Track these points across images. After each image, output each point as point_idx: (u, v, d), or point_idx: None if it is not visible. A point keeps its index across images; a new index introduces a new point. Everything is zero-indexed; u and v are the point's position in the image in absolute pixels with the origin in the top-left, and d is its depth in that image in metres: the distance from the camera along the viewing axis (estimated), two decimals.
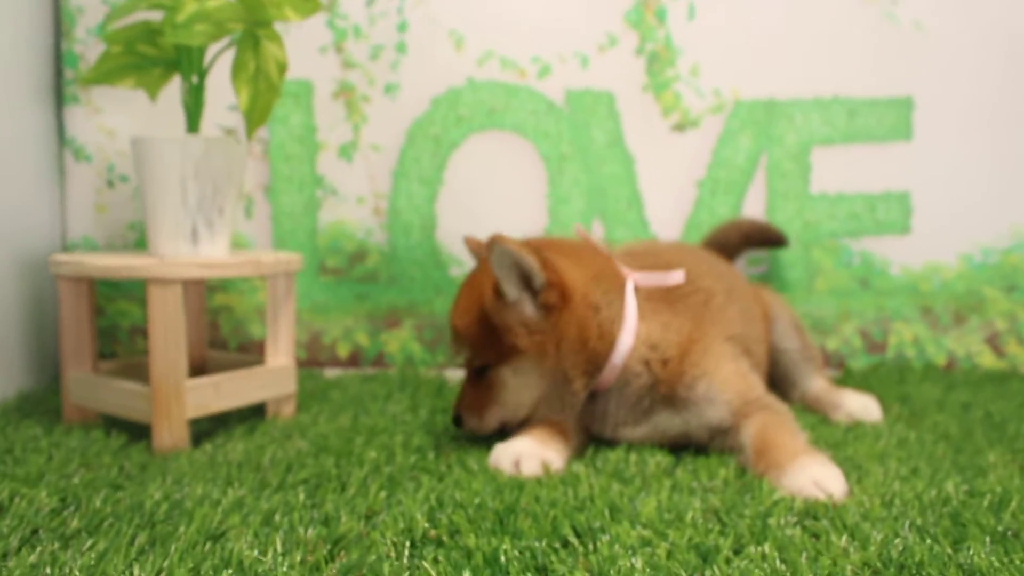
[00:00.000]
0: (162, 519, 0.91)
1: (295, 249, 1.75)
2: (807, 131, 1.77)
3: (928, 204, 1.77)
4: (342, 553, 0.83)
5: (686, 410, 1.18)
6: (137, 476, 1.07)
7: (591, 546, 0.84)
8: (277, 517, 0.91)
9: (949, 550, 0.83)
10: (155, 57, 1.36)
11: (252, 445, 1.21)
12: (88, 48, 1.70)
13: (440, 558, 0.81)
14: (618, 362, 1.16)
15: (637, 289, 1.21)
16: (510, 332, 1.15)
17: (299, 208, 1.77)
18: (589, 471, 1.10)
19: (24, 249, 1.54)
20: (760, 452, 1.08)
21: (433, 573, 0.78)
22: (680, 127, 1.77)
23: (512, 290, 1.14)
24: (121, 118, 1.72)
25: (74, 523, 0.89)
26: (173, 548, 0.82)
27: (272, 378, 1.37)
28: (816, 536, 0.88)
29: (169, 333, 1.21)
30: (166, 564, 0.79)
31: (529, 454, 1.11)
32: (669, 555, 0.82)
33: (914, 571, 0.79)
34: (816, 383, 1.51)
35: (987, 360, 1.79)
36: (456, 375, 1.74)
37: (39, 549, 0.82)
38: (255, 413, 1.41)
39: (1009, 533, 0.88)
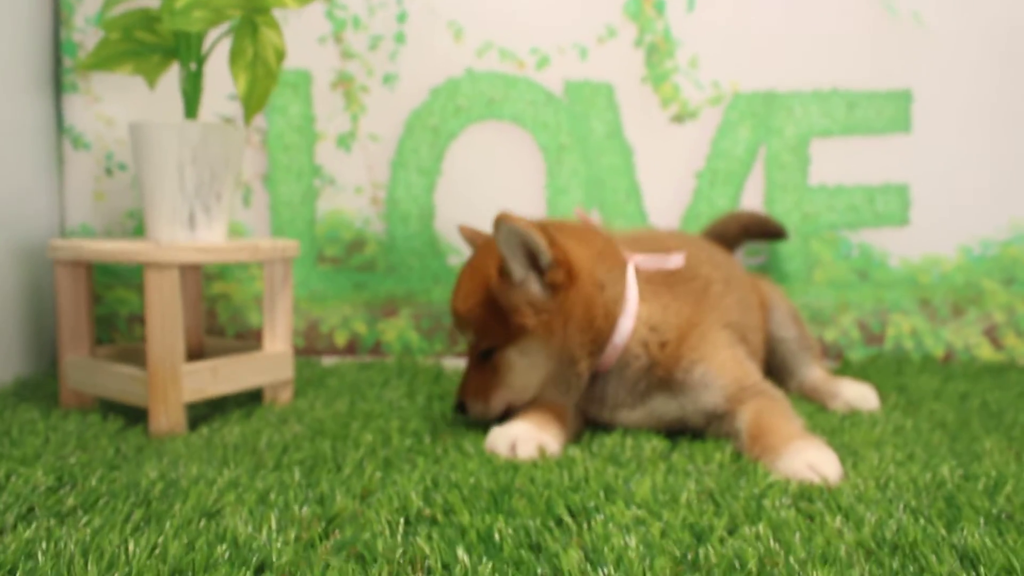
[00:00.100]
0: (157, 497, 0.91)
1: (293, 238, 1.75)
2: (806, 123, 1.77)
3: (927, 196, 1.77)
4: (336, 531, 0.84)
5: (682, 394, 1.18)
6: (133, 457, 1.07)
7: (585, 525, 0.84)
8: (272, 496, 0.92)
9: (943, 531, 0.83)
10: (153, 44, 1.36)
11: (249, 429, 1.21)
12: (87, 36, 1.70)
13: (434, 535, 0.81)
14: (619, 343, 1.16)
15: (637, 271, 1.21)
16: (517, 312, 1.14)
17: (297, 197, 1.77)
18: (585, 455, 1.10)
19: (23, 236, 1.54)
20: (755, 437, 1.08)
21: (427, 550, 0.78)
22: (679, 118, 1.77)
23: (518, 269, 1.13)
24: (120, 106, 1.72)
25: (70, 501, 0.89)
26: (168, 525, 0.83)
27: (269, 364, 1.37)
28: (811, 517, 0.88)
29: (166, 317, 1.21)
30: (160, 540, 0.79)
31: (526, 438, 1.11)
32: (663, 534, 0.82)
33: (907, 551, 0.79)
34: (813, 372, 1.51)
35: (985, 352, 1.79)
36: (453, 363, 1.74)
37: (35, 525, 0.83)
38: (252, 399, 1.41)
39: (1003, 515, 0.88)
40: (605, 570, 0.74)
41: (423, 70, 1.76)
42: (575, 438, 1.19)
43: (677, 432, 1.21)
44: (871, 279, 1.79)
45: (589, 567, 0.75)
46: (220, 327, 1.77)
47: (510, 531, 0.82)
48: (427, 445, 1.14)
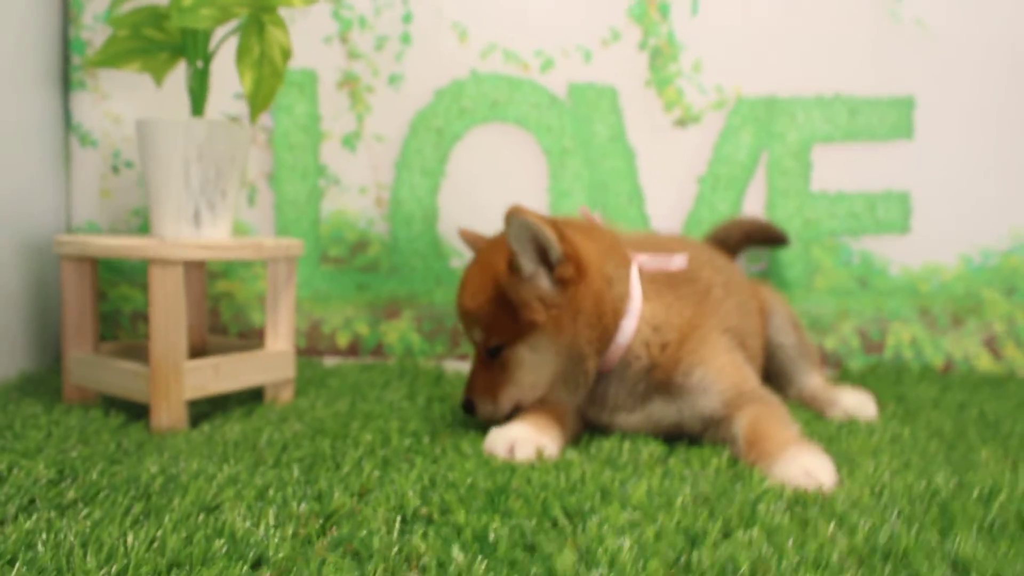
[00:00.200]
0: (157, 492, 0.92)
1: (297, 238, 1.76)
2: (808, 129, 1.78)
3: (928, 204, 1.78)
4: (333, 528, 0.84)
5: (680, 398, 1.19)
6: (134, 452, 1.08)
7: (580, 527, 0.85)
8: (271, 492, 0.92)
9: (936, 539, 0.84)
10: (161, 41, 1.37)
11: (249, 427, 1.22)
12: (95, 34, 1.71)
13: (430, 534, 0.82)
14: (623, 342, 1.17)
15: (641, 272, 1.22)
16: (527, 307, 1.14)
17: (302, 197, 1.78)
18: (582, 457, 1.11)
19: (29, 232, 1.55)
20: (752, 442, 1.09)
21: (422, 548, 0.78)
22: (682, 123, 1.78)
23: (528, 264, 1.13)
24: (127, 104, 1.73)
25: (71, 494, 0.90)
26: (167, 519, 0.83)
27: (271, 362, 1.38)
28: (804, 523, 0.89)
29: (170, 314, 1.22)
30: (159, 533, 0.80)
31: (524, 440, 1.11)
32: (657, 537, 0.83)
33: (900, 558, 0.80)
34: (812, 380, 1.51)
35: (984, 362, 1.79)
36: (455, 366, 1.75)
37: (36, 516, 0.84)
38: (253, 397, 1.42)
39: (996, 524, 0.88)
40: (599, 572, 0.75)
41: (428, 71, 1.77)
42: (574, 440, 1.20)
43: (674, 437, 1.22)
44: (871, 287, 1.79)
45: (583, 568, 0.76)
46: (223, 325, 1.78)
47: (505, 531, 0.83)
48: (426, 445, 1.15)
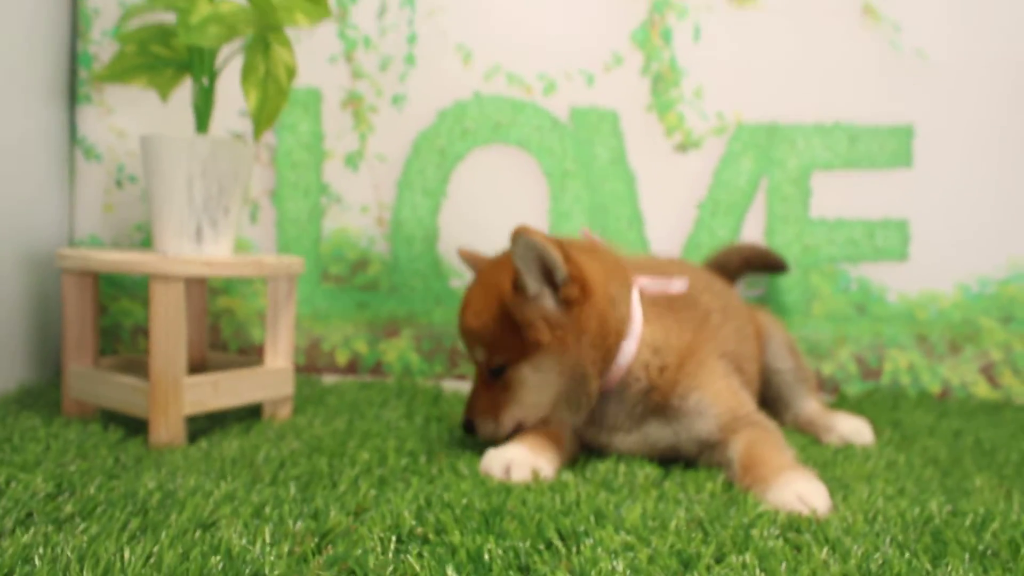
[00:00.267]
0: (154, 507, 0.92)
1: (299, 255, 1.77)
2: (808, 156, 1.79)
3: (926, 232, 1.79)
4: (329, 546, 0.85)
5: (676, 421, 1.19)
6: (132, 467, 1.09)
7: (574, 548, 0.85)
8: (267, 509, 0.93)
9: (928, 565, 0.84)
10: (168, 58, 1.39)
11: (247, 443, 1.22)
12: (103, 49, 1.73)
13: (425, 554, 0.82)
14: (623, 363, 1.18)
15: (641, 294, 1.22)
16: (531, 327, 1.14)
17: (304, 215, 1.79)
18: (578, 479, 1.11)
19: (31, 245, 1.56)
20: (746, 467, 1.09)
21: (417, 567, 0.79)
22: (683, 148, 1.80)
23: (533, 283, 1.14)
24: (132, 119, 1.74)
25: (68, 508, 0.91)
26: (164, 535, 0.84)
27: (270, 379, 1.38)
28: (798, 548, 0.89)
29: (170, 329, 1.22)
30: (156, 549, 0.80)
31: (520, 462, 1.11)
32: (651, 560, 0.83)
33: None
34: (809, 405, 1.52)
35: (982, 390, 1.80)
36: (453, 386, 1.75)
37: (33, 531, 0.84)
38: (252, 414, 1.42)
39: (989, 552, 0.89)
40: None
41: (432, 92, 1.79)
42: (570, 462, 1.20)
43: (670, 461, 1.22)
44: (869, 313, 1.80)
45: None
46: (223, 342, 1.79)
47: (500, 552, 0.83)
48: (422, 465, 1.15)
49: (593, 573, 0.79)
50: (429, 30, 1.77)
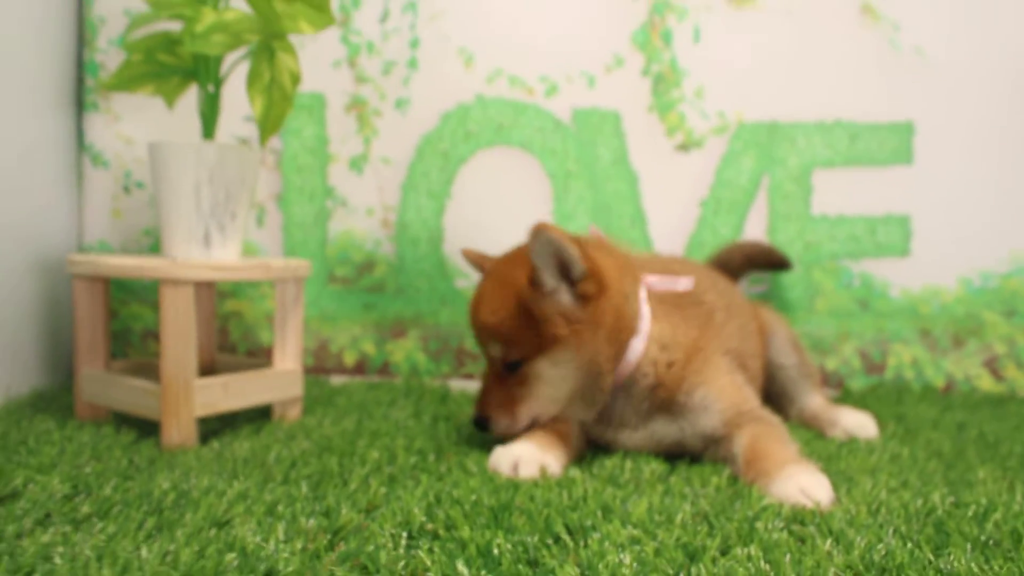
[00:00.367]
0: (169, 507, 0.94)
1: (305, 258, 1.79)
2: (809, 154, 1.81)
3: (928, 228, 1.80)
4: (341, 542, 0.86)
5: (682, 417, 1.21)
6: (146, 468, 1.10)
7: (582, 543, 0.87)
8: (280, 508, 0.94)
9: (930, 556, 0.85)
10: (174, 66, 1.41)
11: (258, 444, 1.24)
12: (109, 57, 1.75)
13: (435, 549, 0.84)
14: (632, 359, 1.19)
15: (648, 292, 1.24)
16: (549, 322, 1.15)
17: (310, 218, 1.81)
18: (585, 475, 1.12)
19: (42, 251, 1.58)
20: (750, 461, 1.11)
21: (428, 562, 0.80)
22: (684, 147, 1.81)
23: (550, 279, 1.15)
24: (139, 126, 1.76)
25: (85, 508, 0.92)
26: (179, 533, 0.85)
27: (279, 381, 1.40)
28: (802, 540, 0.91)
29: (180, 333, 1.24)
30: (172, 547, 0.82)
31: (528, 459, 1.13)
32: (657, 553, 0.85)
33: (894, 574, 0.82)
34: (814, 400, 1.53)
35: (985, 383, 1.81)
36: (460, 385, 1.77)
37: (52, 530, 0.86)
38: (262, 415, 1.44)
39: (991, 542, 0.90)
40: None
41: (435, 95, 1.80)
42: (578, 459, 1.22)
43: (676, 456, 1.24)
44: (872, 309, 1.81)
45: None
46: (232, 344, 1.80)
47: (509, 546, 0.85)
48: (431, 463, 1.17)
49: (600, 566, 0.80)
50: (431, 34, 1.79)
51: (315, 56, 1.77)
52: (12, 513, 0.90)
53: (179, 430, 1.24)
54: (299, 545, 0.84)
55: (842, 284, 1.82)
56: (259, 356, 1.79)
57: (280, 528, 0.88)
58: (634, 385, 1.21)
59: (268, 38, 1.33)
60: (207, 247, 1.35)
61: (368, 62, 1.80)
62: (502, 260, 1.26)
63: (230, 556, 0.80)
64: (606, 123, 1.81)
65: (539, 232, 1.11)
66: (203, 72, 1.38)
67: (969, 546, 0.88)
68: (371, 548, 0.84)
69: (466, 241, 1.78)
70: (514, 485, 1.04)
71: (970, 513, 0.98)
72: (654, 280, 1.25)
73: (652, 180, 1.81)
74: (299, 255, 1.80)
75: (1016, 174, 1.79)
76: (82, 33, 1.75)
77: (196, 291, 1.46)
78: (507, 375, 1.21)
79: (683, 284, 1.25)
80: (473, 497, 0.98)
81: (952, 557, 0.85)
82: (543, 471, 1.11)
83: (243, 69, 1.41)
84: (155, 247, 1.78)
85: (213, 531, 0.87)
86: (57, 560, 0.78)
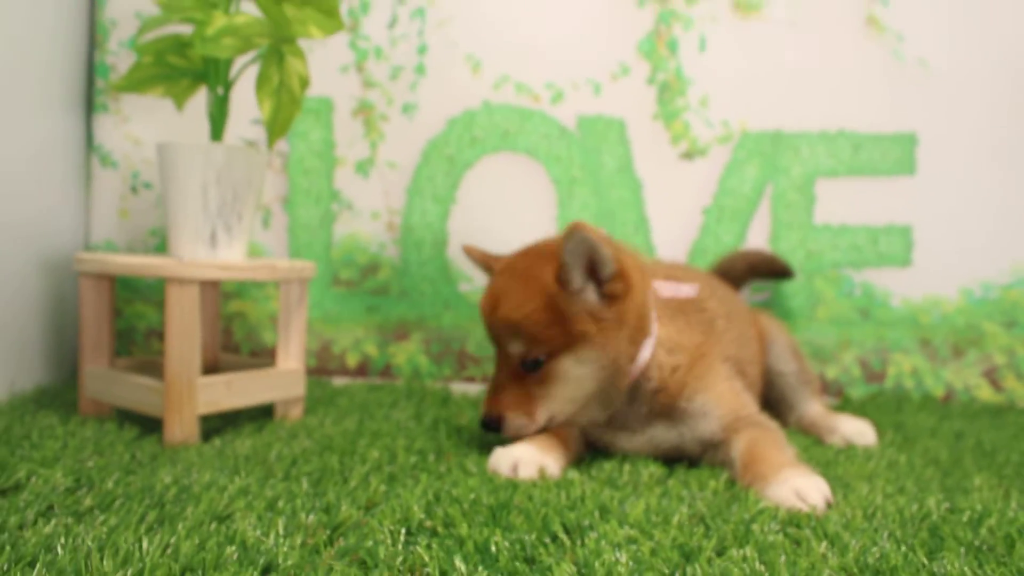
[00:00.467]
0: (171, 501, 0.95)
1: (310, 260, 1.80)
2: (812, 163, 1.82)
3: (930, 238, 1.81)
4: (341, 538, 0.87)
5: (682, 423, 1.22)
6: (148, 464, 1.11)
7: (579, 541, 0.88)
8: (280, 503, 0.96)
9: (924, 559, 0.86)
10: (184, 68, 1.42)
11: (260, 442, 1.25)
12: (119, 59, 1.77)
13: (434, 545, 0.85)
14: (640, 362, 1.20)
15: (654, 296, 1.25)
16: (577, 319, 1.15)
17: (315, 221, 1.82)
18: (583, 477, 1.13)
19: (49, 250, 1.59)
20: (747, 465, 1.12)
21: (426, 558, 0.81)
22: (688, 155, 1.82)
23: (578, 278, 1.15)
24: (147, 127, 1.78)
25: (87, 501, 0.93)
26: (180, 526, 0.86)
27: (282, 380, 1.41)
28: (797, 542, 0.91)
29: (185, 331, 1.25)
30: (173, 540, 0.83)
31: (527, 460, 1.14)
32: (653, 553, 0.86)
33: None
34: (813, 407, 1.54)
35: (985, 393, 1.82)
36: (461, 388, 1.78)
37: (54, 522, 0.87)
38: (264, 414, 1.45)
39: (985, 547, 0.91)
40: None
41: (441, 101, 1.82)
42: (576, 462, 1.22)
43: (673, 460, 1.24)
44: (873, 318, 1.82)
45: None
46: (235, 345, 1.82)
47: (506, 544, 0.85)
48: (431, 463, 1.18)
49: (597, 565, 0.81)
50: (439, 40, 1.81)
51: (323, 60, 1.79)
52: (15, 505, 0.92)
53: (182, 427, 1.25)
54: (299, 540, 0.85)
55: (843, 293, 1.82)
56: (262, 357, 1.80)
57: (280, 523, 0.89)
58: (638, 389, 1.22)
59: (278, 42, 1.35)
60: (213, 247, 1.37)
61: (376, 67, 1.81)
62: (520, 257, 1.25)
63: (230, 549, 0.81)
64: (611, 130, 1.82)
65: (575, 231, 1.11)
66: (213, 75, 1.39)
67: (963, 550, 0.89)
68: (370, 544, 0.85)
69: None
70: (513, 485, 1.05)
71: (965, 518, 0.99)
72: (660, 285, 1.26)
73: (656, 187, 1.82)
74: (304, 257, 1.81)
75: (1018, 186, 1.80)
76: (93, 35, 1.77)
77: (201, 291, 1.47)
78: (525, 374, 1.19)
79: (689, 291, 1.26)
80: (472, 496, 0.99)
81: (946, 561, 0.85)
82: (542, 472, 1.12)
83: (252, 72, 1.42)
84: (161, 247, 1.80)
85: (214, 525, 0.88)
86: (59, 551, 0.79)
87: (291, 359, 1.44)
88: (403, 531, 0.89)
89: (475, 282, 1.81)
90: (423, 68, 1.81)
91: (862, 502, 1.05)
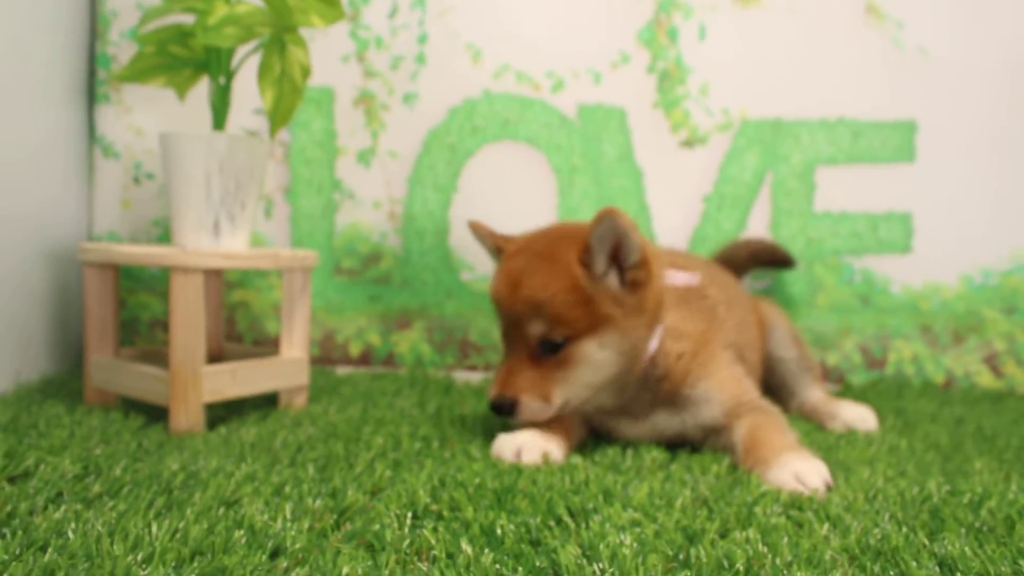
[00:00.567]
0: (179, 487, 0.96)
1: (312, 249, 1.81)
2: (812, 151, 1.82)
3: (929, 225, 1.82)
4: (347, 522, 0.88)
5: (685, 410, 1.23)
6: (155, 451, 1.12)
7: (583, 524, 0.89)
8: (287, 489, 0.96)
9: (925, 540, 0.87)
10: (186, 58, 1.43)
11: (265, 430, 1.26)
12: (121, 50, 1.77)
13: (440, 528, 0.86)
14: (650, 349, 1.21)
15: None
16: (602, 302, 1.15)
17: (317, 210, 1.83)
18: (587, 462, 1.14)
19: (52, 240, 1.60)
20: (749, 449, 1.13)
21: (432, 541, 0.82)
22: (688, 143, 1.83)
23: (602, 263, 1.15)
24: (149, 117, 1.78)
25: (96, 488, 0.94)
26: (189, 511, 0.87)
27: (286, 369, 1.42)
28: (799, 524, 0.92)
29: (189, 320, 1.26)
30: (182, 524, 0.84)
31: (531, 445, 1.14)
32: (657, 535, 0.87)
33: (889, 557, 0.83)
34: (814, 393, 1.54)
35: (985, 380, 1.82)
36: (464, 376, 1.79)
37: (64, 508, 0.88)
38: (268, 403, 1.46)
39: (985, 528, 0.92)
40: (600, 565, 0.79)
41: (442, 90, 1.82)
42: (579, 448, 1.23)
43: (676, 445, 1.25)
44: (873, 304, 1.83)
45: (585, 562, 0.79)
46: (238, 334, 1.82)
47: (511, 527, 0.86)
48: (435, 449, 1.19)
49: (601, 546, 0.82)
50: (439, 30, 1.81)
51: (324, 50, 1.79)
52: (24, 492, 0.92)
53: (187, 415, 1.26)
54: (306, 524, 0.86)
55: (844, 280, 1.83)
56: (265, 346, 1.81)
57: (287, 508, 0.90)
58: (645, 375, 1.22)
59: (279, 31, 1.35)
60: (217, 236, 1.37)
61: (377, 57, 1.81)
62: (539, 238, 1.23)
63: (238, 533, 0.82)
64: (611, 119, 1.82)
65: (607, 216, 1.11)
66: (215, 64, 1.40)
67: (963, 531, 0.90)
68: (376, 527, 0.86)
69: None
70: (517, 470, 1.06)
71: (965, 500, 1.00)
72: (670, 273, 1.27)
73: (656, 176, 1.83)
74: (306, 247, 1.82)
75: (1017, 173, 1.81)
76: (94, 26, 1.78)
77: (204, 280, 1.48)
78: (542, 356, 1.16)
79: (692, 278, 1.27)
80: (477, 480, 1.00)
81: (946, 542, 0.86)
82: (545, 457, 1.13)
83: (254, 62, 1.42)
84: (164, 237, 1.80)
85: (222, 510, 0.89)
86: (70, 535, 0.80)
87: (295, 348, 1.45)
88: (409, 515, 0.90)
89: (477, 270, 1.82)
90: (424, 57, 1.81)
91: (863, 485, 1.06)
